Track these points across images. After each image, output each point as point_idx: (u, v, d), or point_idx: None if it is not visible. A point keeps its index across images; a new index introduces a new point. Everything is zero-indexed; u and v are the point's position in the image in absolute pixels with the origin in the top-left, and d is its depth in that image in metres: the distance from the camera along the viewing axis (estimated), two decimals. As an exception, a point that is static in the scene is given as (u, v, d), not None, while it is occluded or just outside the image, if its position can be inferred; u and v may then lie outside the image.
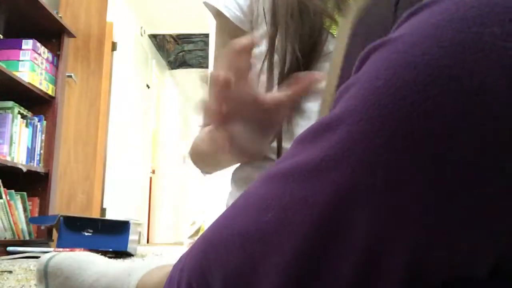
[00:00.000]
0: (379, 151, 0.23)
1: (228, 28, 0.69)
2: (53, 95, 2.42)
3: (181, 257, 0.41)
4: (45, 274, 0.64)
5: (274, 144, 0.60)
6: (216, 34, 0.73)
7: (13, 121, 2.19)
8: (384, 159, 0.23)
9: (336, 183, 0.25)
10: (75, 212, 2.91)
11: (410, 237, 0.24)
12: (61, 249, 1.93)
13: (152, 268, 0.60)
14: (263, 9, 0.65)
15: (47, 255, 0.66)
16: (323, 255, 0.26)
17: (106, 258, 0.67)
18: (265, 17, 0.65)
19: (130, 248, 2.16)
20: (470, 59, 0.22)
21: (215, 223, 0.35)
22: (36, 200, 2.33)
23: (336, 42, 0.38)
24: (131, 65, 4.19)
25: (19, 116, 2.24)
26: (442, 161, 0.22)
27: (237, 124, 0.47)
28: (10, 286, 1.01)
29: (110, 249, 2.04)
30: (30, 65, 2.22)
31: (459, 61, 0.22)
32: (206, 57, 5.54)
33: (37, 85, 2.26)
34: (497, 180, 0.22)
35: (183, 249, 2.44)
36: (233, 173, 0.70)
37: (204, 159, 0.66)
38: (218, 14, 0.70)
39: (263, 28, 0.65)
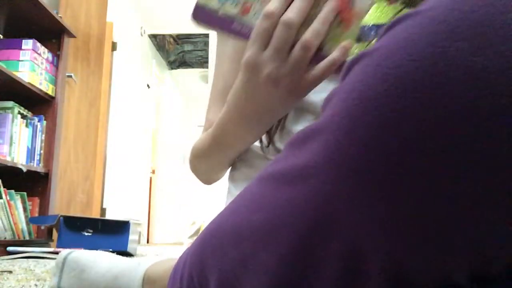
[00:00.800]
0: (353, 161, 0.24)
1: (231, 40, 0.69)
2: (53, 95, 2.42)
3: (185, 251, 0.43)
4: (62, 267, 0.68)
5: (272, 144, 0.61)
6: (218, 40, 0.73)
7: (13, 121, 2.19)
8: (358, 169, 0.24)
9: (316, 190, 0.26)
10: (75, 212, 2.91)
11: (386, 244, 0.24)
12: (61, 249, 1.93)
13: (159, 259, 0.64)
14: None
15: (66, 250, 0.71)
16: (306, 256, 0.27)
17: (119, 256, 0.72)
18: None
19: (130, 248, 2.16)
20: (438, 72, 0.22)
21: (213, 221, 0.37)
22: (36, 200, 2.33)
23: None
24: (131, 65, 4.19)
25: (19, 116, 2.24)
26: (413, 171, 0.22)
27: None
28: (10, 286, 1.01)
29: (110, 249, 2.04)
30: (30, 65, 2.22)
31: (428, 75, 0.22)
32: (206, 57, 5.54)
33: (37, 85, 2.26)
34: (467, 190, 0.22)
35: (183, 249, 2.43)
36: (230, 173, 0.70)
37: (203, 161, 0.65)
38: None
39: None
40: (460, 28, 0.23)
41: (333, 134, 0.25)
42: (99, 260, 0.66)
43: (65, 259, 0.68)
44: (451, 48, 0.22)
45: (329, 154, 0.25)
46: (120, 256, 0.70)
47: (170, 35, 5.20)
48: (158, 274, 0.61)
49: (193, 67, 6.00)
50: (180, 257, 0.44)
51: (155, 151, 5.35)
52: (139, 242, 2.70)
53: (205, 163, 0.65)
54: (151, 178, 5.19)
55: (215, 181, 0.70)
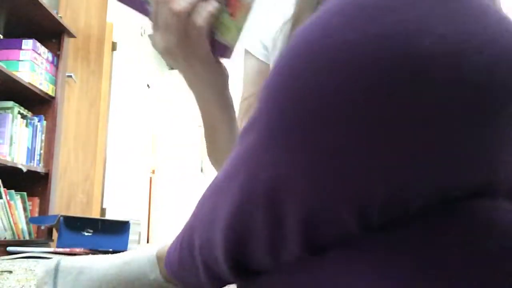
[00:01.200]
0: (269, 115, 0.31)
1: (254, 63, 0.84)
2: (53, 95, 2.42)
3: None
4: (55, 273, 0.66)
5: None
6: (244, 65, 0.87)
7: (13, 121, 2.18)
8: (271, 122, 0.31)
9: (251, 139, 0.32)
10: (75, 212, 2.91)
11: (301, 186, 0.30)
12: (61, 249, 1.93)
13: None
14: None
15: (55, 259, 0.68)
16: (246, 210, 0.33)
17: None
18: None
19: (130, 248, 2.16)
20: (321, 43, 0.29)
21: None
22: (36, 200, 2.33)
23: None
24: (131, 65, 4.19)
25: (19, 116, 2.24)
26: (300, 126, 0.29)
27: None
28: (10, 286, 1.01)
29: (110, 249, 2.04)
30: (30, 65, 2.22)
31: (314, 45, 0.29)
32: (206, 57, 5.52)
33: (37, 85, 2.26)
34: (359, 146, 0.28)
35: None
36: None
37: (211, 149, 0.71)
38: (247, 53, 0.86)
39: None
40: (344, 10, 0.29)
41: (264, 93, 0.33)
42: (96, 261, 0.66)
43: (57, 265, 0.66)
44: (334, 24, 0.29)
45: (260, 110, 0.32)
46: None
47: (170, 35, 5.19)
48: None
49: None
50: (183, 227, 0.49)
51: (155, 151, 5.35)
52: (139, 242, 2.70)
53: (213, 150, 0.72)
54: (151, 178, 5.19)
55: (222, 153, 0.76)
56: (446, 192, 0.29)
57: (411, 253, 0.29)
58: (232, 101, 0.67)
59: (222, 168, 0.37)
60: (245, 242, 0.34)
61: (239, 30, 0.54)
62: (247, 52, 0.86)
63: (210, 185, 0.39)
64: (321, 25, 0.30)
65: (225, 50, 0.56)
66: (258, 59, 0.84)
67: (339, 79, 0.27)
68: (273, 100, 0.31)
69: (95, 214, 3.02)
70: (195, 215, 0.43)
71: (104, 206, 3.30)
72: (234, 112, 0.67)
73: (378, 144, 0.27)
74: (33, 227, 2.29)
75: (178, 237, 0.49)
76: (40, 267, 0.67)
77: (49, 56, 2.42)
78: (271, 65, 0.82)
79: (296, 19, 0.62)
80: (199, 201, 0.42)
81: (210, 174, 6.12)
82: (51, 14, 2.29)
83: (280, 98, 0.30)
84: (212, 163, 0.74)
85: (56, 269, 0.66)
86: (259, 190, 0.32)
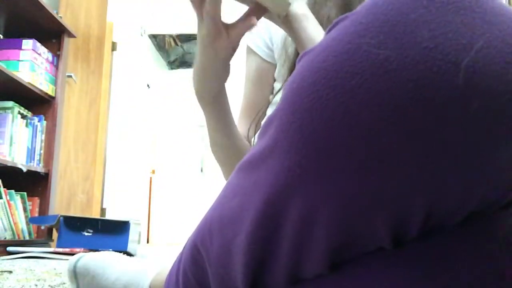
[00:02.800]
0: (292, 141, 0.29)
1: (257, 61, 0.84)
2: (53, 95, 2.42)
3: (182, 249, 0.46)
4: (75, 274, 0.70)
5: None
6: (246, 64, 0.87)
7: (13, 121, 2.18)
8: (297, 147, 0.29)
9: (271, 167, 0.31)
10: (75, 212, 2.91)
11: (335, 210, 0.29)
12: (61, 249, 1.93)
13: (165, 267, 0.67)
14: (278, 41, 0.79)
15: (75, 257, 0.72)
16: (268, 230, 0.32)
17: (127, 257, 0.73)
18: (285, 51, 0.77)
19: (130, 248, 2.16)
20: (351, 64, 0.28)
21: (205, 215, 0.41)
22: (36, 200, 2.33)
23: None
24: (131, 65, 4.19)
25: (19, 116, 2.24)
26: (336, 144, 0.28)
27: None
28: (10, 286, 1.01)
29: (110, 249, 2.04)
30: (30, 65, 2.22)
31: (344, 66, 0.28)
32: (206, 57, 5.52)
33: (37, 85, 2.26)
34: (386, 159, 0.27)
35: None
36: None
37: (212, 142, 0.72)
38: (250, 51, 0.86)
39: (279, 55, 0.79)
40: (372, 27, 0.28)
41: (280, 119, 0.31)
42: (107, 266, 0.69)
43: (74, 267, 0.70)
44: (362, 44, 0.28)
45: (278, 136, 0.31)
46: (127, 258, 0.71)
47: (170, 35, 5.20)
48: (162, 285, 0.63)
49: (193, 67, 6.00)
50: (176, 258, 0.47)
51: (155, 151, 5.35)
52: (139, 242, 2.70)
53: (213, 143, 0.73)
54: (151, 178, 5.19)
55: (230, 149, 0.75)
56: (488, 202, 0.28)
57: (428, 267, 0.29)
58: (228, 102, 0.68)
59: (239, 179, 0.36)
60: (268, 256, 0.33)
61: None
62: (249, 50, 0.86)
63: (218, 215, 0.37)
64: (350, 43, 0.29)
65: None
66: (260, 57, 0.84)
67: (378, 96, 0.27)
68: (300, 117, 0.29)
69: (95, 214, 3.02)
70: (198, 240, 0.40)
71: (104, 206, 3.30)
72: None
73: (418, 158, 0.26)
74: (33, 227, 2.29)
75: (172, 268, 0.47)
76: (66, 264, 0.72)
77: (49, 56, 2.42)
78: (278, 64, 0.82)
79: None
80: (202, 228, 0.39)
81: (210, 174, 6.13)
82: (51, 14, 2.29)
83: (308, 118, 0.29)
84: (219, 159, 0.75)
85: (74, 271, 0.70)
86: (289, 211, 0.30)
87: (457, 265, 0.28)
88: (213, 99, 0.66)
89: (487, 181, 0.27)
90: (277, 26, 0.63)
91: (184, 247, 0.43)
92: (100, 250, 0.78)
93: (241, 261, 0.34)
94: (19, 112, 2.24)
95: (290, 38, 0.70)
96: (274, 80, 0.84)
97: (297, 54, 0.70)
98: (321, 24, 0.63)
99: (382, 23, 0.28)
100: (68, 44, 2.58)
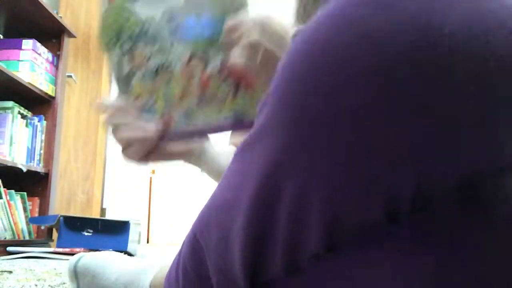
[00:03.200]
0: (284, 119, 0.30)
1: None
2: (53, 95, 2.42)
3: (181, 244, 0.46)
4: (75, 274, 0.71)
5: None
6: None
7: (13, 121, 2.18)
8: (289, 125, 0.29)
9: (267, 145, 0.31)
10: (75, 212, 2.91)
11: (328, 189, 0.29)
12: (61, 249, 1.93)
13: (164, 266, 0.67)
14: None
15: (76, 256, 0.72)
16: (265, 215, 0.32)
17: (127, 256, 0.74)
18: None
19: (130, 248, 2.16)
20: (341, 35, 0.28)
21: (203, 206, 0.40)
22: (36, 200, 2.33)
23: None
24: (131, 65, 4.18)
25: (19, 116, 2.23)
26: (328, 120, 0.28)
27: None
28: (10, 286, 1.01)
29: (110, 249, 2.04)
30: (30, 65, 2.22)
31: (334, 38, 0.28)
32: (206, 57, 5.52)
33: (37, 85, 2.26)
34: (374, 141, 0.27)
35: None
36: None
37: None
38: None
39: None
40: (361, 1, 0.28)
41: (273, 97, 0.31)
42: (107, 266, 0.69)
43: (75, 267, 0.70)
44: (352, 13, 0.28)
45: (271, 116, 0.31)
46: (127, 258, 0.72)
47: (170, 35, 5.20)
48: (162, 284, 0.64)
49: None
50: (177, 253, 0.46)
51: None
52: (139, 242, 2.70)
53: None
54: (151, 178, 5.19)
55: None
56: (478, 171, 0.28)
57: (433, 240, 0.28)
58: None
59: (236, 165, 0.36)
60: (265, 240, 0.33)
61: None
62: None
63: (217, 203, 0.37)
64: (340, 16, 0.29)
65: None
66: None
67: (361, 71, 0.27)
68: (293, 98, 0.30)
69: (95, 214, 3.02)
70: (197, 231, 0.40)
71: (104, 206, 3.30)
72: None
73: (407, 132, 0.27)
74: (33, 227, 2.29)
75: (172, 265, 0.47)
76: (66, 264, 0.73)
77: (49, 56, 2.42)
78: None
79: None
80: (201, 219, 0.39)
81: (210, 174, 6.11)
82: (51, 14, 2.29)
83: (302, 94, 0.29)
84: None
85: (75, 271, 0.70)
86: (283, 190, 0.31)
87: (453, 237, 0.28)
88: (194, 159, 0.67)
89: (476, 147, 0.27)
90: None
91: (184, 240, 0.43)
92: (100, 250, 0.78)
93: (239, 249, 0.34)
94: (19, 112, 2.24)
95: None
96: None
97: None
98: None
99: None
100: (68, 44, 2.58)
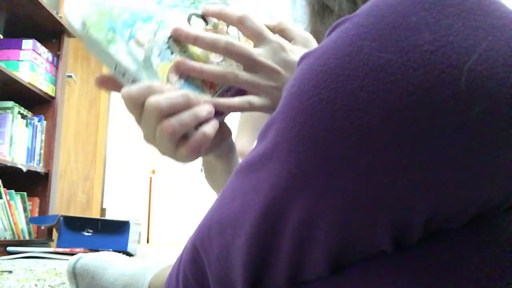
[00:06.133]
0: (293, 144, 0.29)
1: None
2: (53, 95, 2.42)
3: (182, 251, 0.45)
4: (74, 275, 0.70)
5: None
6: None
7: (13, 121, 2.19)
8: (298, 150, 0.29)
9: (272, 171, 0.30)
10: (75, 212, 2.91)
11: (335, 215, 0.28)
12: (61, 249, 1.93)
13: (163, 267, 0.67)
14: None
15: (75, 257, 0.72)
16: (266, 234, 0.31)
17: (126, 257, 0.74)
18: None
19: (130, 248, 2.16)
20: (352, 67, 0.27)
21: (203, 217, 0.40)
22: (36, 200, 2.33)
23: None
24: (131, 65, 4.18)
25: (19, 116, 2.24)
26: (336, 148, 0.27)
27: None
28: (10, 286, 1.01)
29: (110, 249, 2.04)
30: (30, 65, 2.22)
31: (345, 69, 0.28)
32: (206, 57, 5.52)
33: (37, 85, 2.26)
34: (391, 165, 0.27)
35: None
36: None
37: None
38: None
39: None
40: (372, 30, 0.28)
41: (280, 122, 0.30)
42: (107, 267, 0.69)
43: (74, 267, 0.70)
44: (363, 47, 0.27)
45: (279, 139, 0.30)
46: (127, 259, 0.72)
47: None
48: (160, 284, 0.64)
49: None
50: (176, 260, 0.46)
51: (155, 151, 5.34)
52: (139, 242, 2.70)
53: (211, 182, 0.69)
54: (151, 178, 5.19)
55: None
56: (491, 204, 0.28)
57: (430, 268, 0.29)
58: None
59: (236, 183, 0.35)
60: (267, 262, 0.33)
61: None
62: None
63: (217, 217, 0.36)
64: (350, 45, 0.28)
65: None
66: None
67: (379, 99, 0.26)
68: (301, 120, 0.29)
69: (95, 214, 3.02)
70: (198, 242, 0.39)
71: (104, 206, 3.30)
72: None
73: (419, 163, 0.26)
74: (33, 227, 2.29)
75: (171, 271, 0.46)
76: (66, 264, 0.73)
77: (49, 56, 2.42)
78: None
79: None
80: (202, 229, 0.38)
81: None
82: (51, 14, 2.29)
83: (308, 121, 0.28)
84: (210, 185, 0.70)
85: (74, 272, 0.70)
86: (290, 216, 0.30)
87: (460, 269, 0.28)
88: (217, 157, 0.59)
89: (489, 185, 0.27)
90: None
91: (184, 248, 0.43)
92: (100, 250, 0.79)
93: (241, 264, 0.34)
94: (19, 112, 2.24)
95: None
96: None
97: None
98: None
99: (383, 25, 0.28)
100: (68, 44, 2.58)
